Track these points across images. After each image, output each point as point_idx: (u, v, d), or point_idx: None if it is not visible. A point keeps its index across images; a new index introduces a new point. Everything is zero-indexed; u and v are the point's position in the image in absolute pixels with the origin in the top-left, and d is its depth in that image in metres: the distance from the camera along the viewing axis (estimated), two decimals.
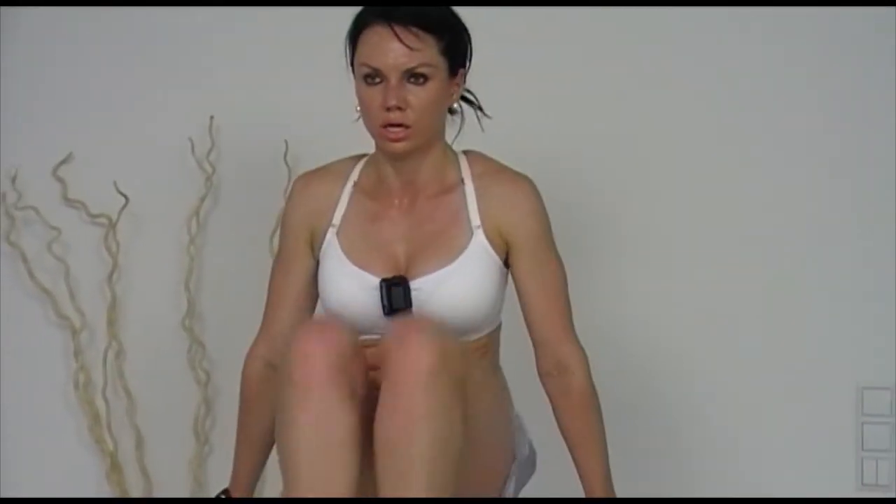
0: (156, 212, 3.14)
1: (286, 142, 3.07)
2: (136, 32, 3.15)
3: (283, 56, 3.10)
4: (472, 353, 2.20)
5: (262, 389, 2.33)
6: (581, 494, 2.30)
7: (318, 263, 2.31)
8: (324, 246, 2.28)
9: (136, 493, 3.13)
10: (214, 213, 3.15)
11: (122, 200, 3.11)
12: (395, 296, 2.19)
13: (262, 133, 3.10)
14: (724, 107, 3.01)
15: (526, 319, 2.28)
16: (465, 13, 2.29)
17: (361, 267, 2.23)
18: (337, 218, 2.28)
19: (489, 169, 2.29)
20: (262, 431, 2.33)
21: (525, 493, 2.38)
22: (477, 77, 2.34)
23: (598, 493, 2.25)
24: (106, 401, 3.12)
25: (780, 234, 3.03)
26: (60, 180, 3.13)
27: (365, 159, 2.33)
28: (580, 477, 2.27)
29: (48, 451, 3.15)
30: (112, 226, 3.12)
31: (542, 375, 2.27)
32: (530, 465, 2.35)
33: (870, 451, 2.98)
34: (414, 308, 2.19)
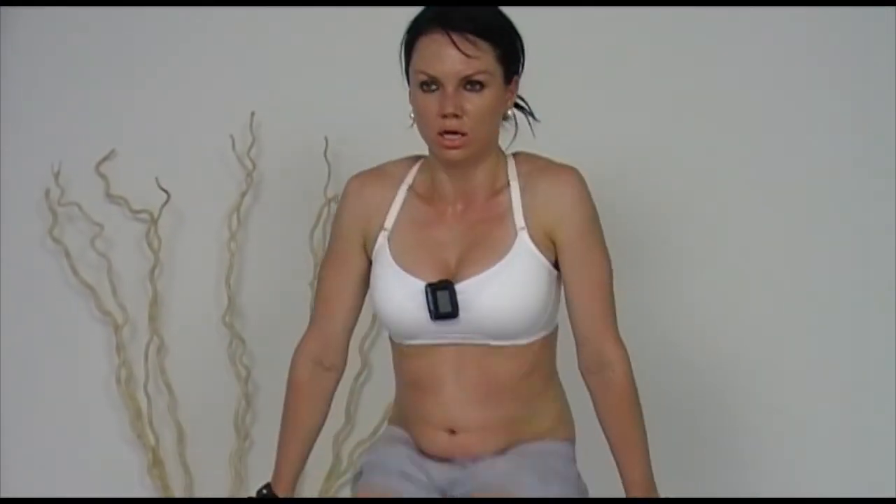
0: (197, 208, 3.16)
1: (326, 138, 3.08)
2: (178, 30, 3.16)
3: (323, 52, 3.11)
4: (524, 357, 2.22)
5: (311, 386, 2.34)
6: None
7: (370, 264, 2.29)
8: (376, 249, 2.26)
9: (177, 487, 3.15)
10: (255, 209, 3.16)
11: (164, 196, 3.13)
12: (441, 300, 2.17)
13: (302, 129, 3.11)
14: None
15: (569, 315, 2.26)
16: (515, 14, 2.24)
17: (409, 271, 2.21)
18: (389, 222, 2.26)
19: (534, 167, 2.25)
20: (307, 428, 2.34)
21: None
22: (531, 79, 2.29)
23: (638, 493, 2.21)
24: (147, 396, 3.14)
25: (824, 238, 3.02)
26: (103, 177, 3.15)
27: (420, 162, 2.30)
28: (620, 475, 2.24)
29: (90, 446, 3.17)
30: (154, 222, 3.14)
31: (584, 372, 2.25)
32: None
33: None
34: (460, 312, 2.18)
